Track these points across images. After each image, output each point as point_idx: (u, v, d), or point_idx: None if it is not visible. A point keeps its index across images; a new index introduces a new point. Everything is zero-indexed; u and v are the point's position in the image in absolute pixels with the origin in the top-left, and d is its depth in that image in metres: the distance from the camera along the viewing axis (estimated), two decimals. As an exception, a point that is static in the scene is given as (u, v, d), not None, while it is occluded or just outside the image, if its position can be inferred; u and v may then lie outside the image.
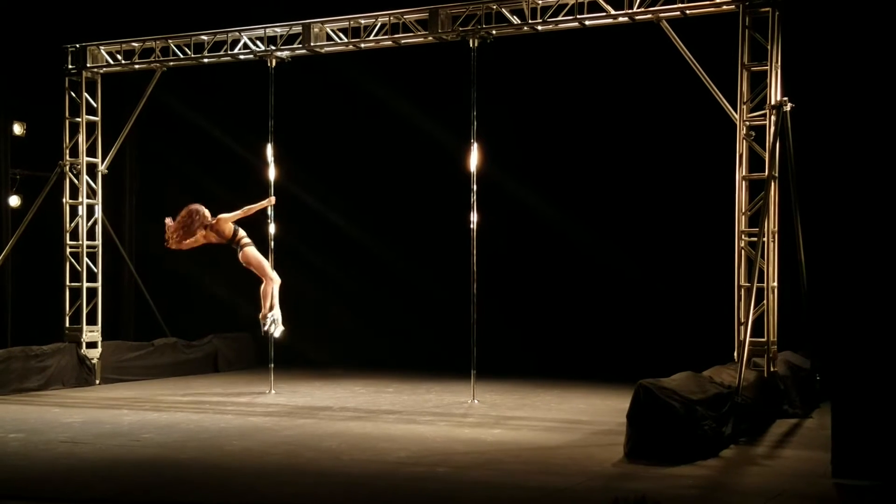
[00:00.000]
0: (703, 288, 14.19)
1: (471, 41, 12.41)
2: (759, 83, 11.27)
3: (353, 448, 9.26)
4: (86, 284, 14.71)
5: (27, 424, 10.69)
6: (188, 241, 12.73)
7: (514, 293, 16.34)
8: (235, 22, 13.92)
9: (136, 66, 14.45)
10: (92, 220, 14.95)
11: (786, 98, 11.15)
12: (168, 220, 12.69)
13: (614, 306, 15.66)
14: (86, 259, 14.78)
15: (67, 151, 14.77)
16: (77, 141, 14.76)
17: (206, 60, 14.04)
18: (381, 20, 12.95)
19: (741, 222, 11.30)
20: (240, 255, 12.94)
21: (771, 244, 11.20)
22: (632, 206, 15.65)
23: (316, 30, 13.27)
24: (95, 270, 14.91)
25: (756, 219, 11.21)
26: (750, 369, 10.73)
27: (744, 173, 11.34)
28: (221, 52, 13.86)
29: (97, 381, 14.54)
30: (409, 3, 12.99)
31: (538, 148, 16.24)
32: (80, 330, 14.58)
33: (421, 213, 16.74)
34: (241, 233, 12.93)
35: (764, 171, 11.14)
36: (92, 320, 14.76)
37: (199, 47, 13.98)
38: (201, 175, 17.88)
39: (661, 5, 11.66)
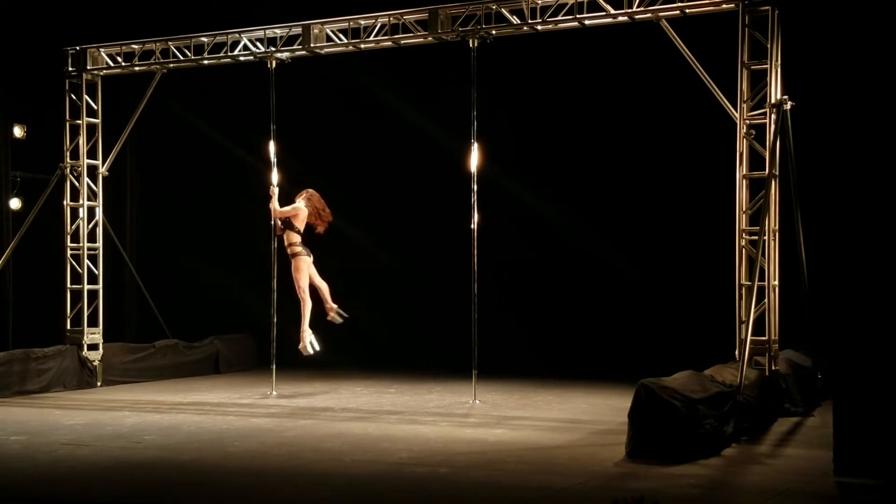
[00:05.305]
0: (703, 287, 14.18)
1: (470, 41, 12.40)
2: (759, 82, 11.26)
3: (355, 449, 9.27)
4: (87, 286, 14.70)
5: (29, 427, 10.69)
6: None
7: (515, 293, 16.33)
8: (235, 23, 13.91)
9: (137, 69, 14.44)
10: (93, 223, 14.94)
11: (786, 97, 11.14)
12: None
13: (615, 305, 15.66)
14: (87, 261, 14.76)
15: (68, 154, 14.77)
16: (77, 143, 14.75)
17: (206, 62, 14.03)
18: (380, 21, 12.94)
19: (742, 221, 11.30)
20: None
21: (772, 242, 11.20)
22: (633, 205, 15.65)
23: (316, 31, 13.26)
24: (96, 272, 14.90)
25: (757, 217, 11.20)
26: (751, 368, 10.73)
27: (744, 172, 11.34)
28: (221, 54, 13.86)
29: (98, 383, 14.53)
30: (408, 4, 12.98)
31: (539, 148, 16.23)
32: (82, 332, 14.57)
33: (421, 213, 16.73)
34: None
35: (764, 170, 11.14)
36: (93, 322, 14.75)
37: (199, 49, 13.97)
38: (202, 176, 17.91)
39: (661, 4, 11.65)
